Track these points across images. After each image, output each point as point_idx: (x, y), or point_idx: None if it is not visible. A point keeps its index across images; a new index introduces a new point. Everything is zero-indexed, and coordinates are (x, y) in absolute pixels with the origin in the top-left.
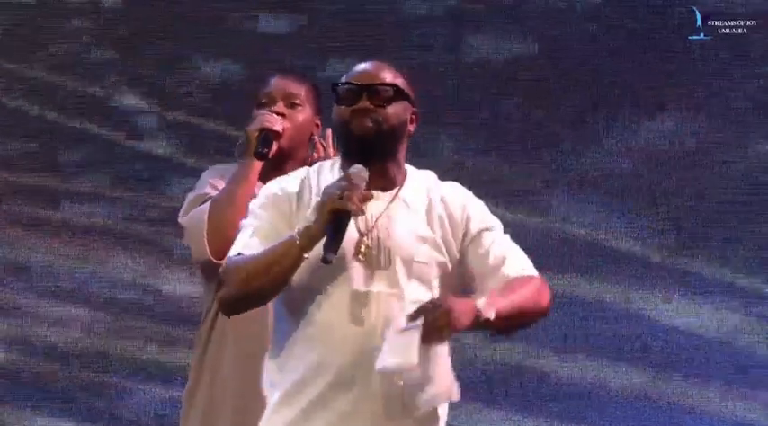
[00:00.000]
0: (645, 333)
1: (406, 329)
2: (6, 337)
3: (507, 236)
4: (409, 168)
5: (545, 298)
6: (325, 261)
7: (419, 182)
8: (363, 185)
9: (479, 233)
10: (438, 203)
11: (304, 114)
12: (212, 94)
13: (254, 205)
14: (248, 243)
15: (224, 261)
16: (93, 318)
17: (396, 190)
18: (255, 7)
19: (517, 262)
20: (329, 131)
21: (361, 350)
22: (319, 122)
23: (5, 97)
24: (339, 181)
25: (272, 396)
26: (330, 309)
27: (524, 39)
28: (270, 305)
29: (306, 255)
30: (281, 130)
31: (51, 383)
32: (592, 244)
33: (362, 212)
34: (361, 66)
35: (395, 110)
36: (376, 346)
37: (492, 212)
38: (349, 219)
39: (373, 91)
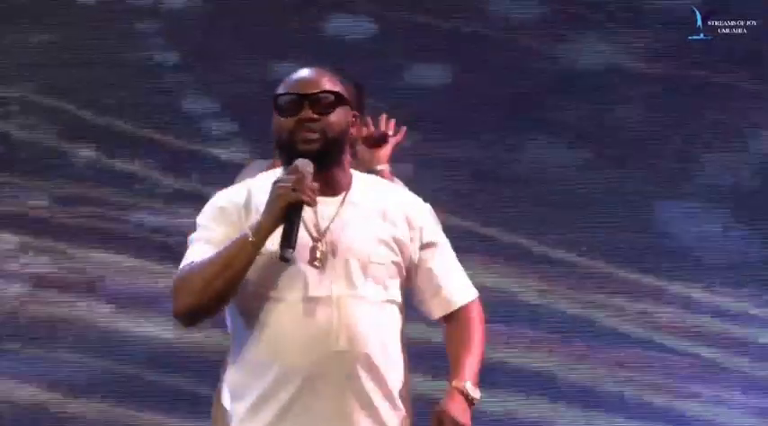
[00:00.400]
0: None
1: None
2: (90, 345)
3: (451, 251)
4: (354, 172)
5: (483, 319)
6: (283, 258)
7: (366, 185)
8: (311, 177)
9: (430, 244)
10: (392, 204)
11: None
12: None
13: (201, 219)
14: (203, 251)
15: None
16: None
17: (343, 194)
18: (327, 9)
19: (459, 284)
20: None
21: (327, 354)
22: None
23: (68, 103)
24: (288, 174)
25: (236, 408)
26: (291, 317)
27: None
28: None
29: (261, 251)
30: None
31: (132, 389)
32: None
33: (315, 203)
34: (300, 75)
35: (337, 117)
36: (340, 349)
37: None
38: (301, 211)
39: (315, 99)
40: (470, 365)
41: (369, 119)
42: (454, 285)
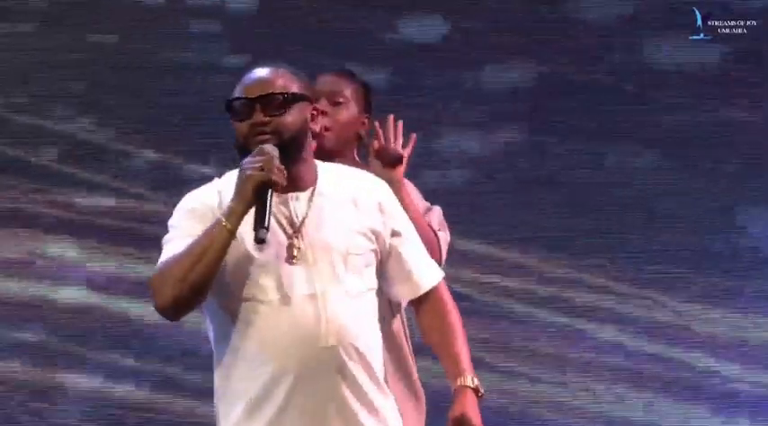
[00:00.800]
0: None
1: None
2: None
3: (416, 233)
4: (318, 163)
5: (452, 298)
6: (258, 240)
7: (333, 175)
8: (278, 159)
9: (400, 231)
10: (362, 192)
11: (348, 112)
12: None
13: (174, 220)
14: (179, 249)
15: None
16: None
17: (311, 188)
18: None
19: (428, 268)
20: (400, 123)
21: (316, 351)
22: (366, 121)
23: (123, 109)
24: (254, 156)
25: (228, 411)
26: (278, 318)
27: None
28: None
29: (238, 240)
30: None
31: (198, 391)
32: None
33: (284, 182)
34: (251, 77)
35: (292, 116)
36: (330, 345)
37: None
38: (272, 191)
39: (266, 101)
40: (466, 356)
41: (377, 126)
42: (423, 268)
